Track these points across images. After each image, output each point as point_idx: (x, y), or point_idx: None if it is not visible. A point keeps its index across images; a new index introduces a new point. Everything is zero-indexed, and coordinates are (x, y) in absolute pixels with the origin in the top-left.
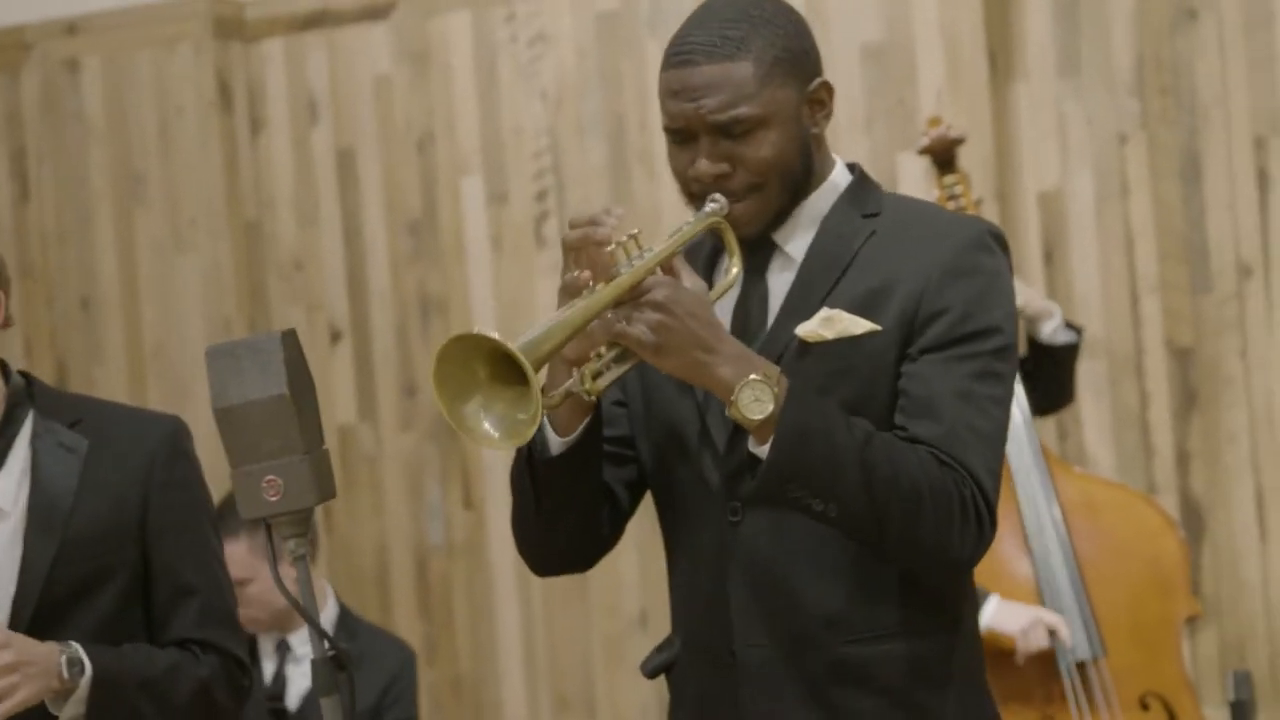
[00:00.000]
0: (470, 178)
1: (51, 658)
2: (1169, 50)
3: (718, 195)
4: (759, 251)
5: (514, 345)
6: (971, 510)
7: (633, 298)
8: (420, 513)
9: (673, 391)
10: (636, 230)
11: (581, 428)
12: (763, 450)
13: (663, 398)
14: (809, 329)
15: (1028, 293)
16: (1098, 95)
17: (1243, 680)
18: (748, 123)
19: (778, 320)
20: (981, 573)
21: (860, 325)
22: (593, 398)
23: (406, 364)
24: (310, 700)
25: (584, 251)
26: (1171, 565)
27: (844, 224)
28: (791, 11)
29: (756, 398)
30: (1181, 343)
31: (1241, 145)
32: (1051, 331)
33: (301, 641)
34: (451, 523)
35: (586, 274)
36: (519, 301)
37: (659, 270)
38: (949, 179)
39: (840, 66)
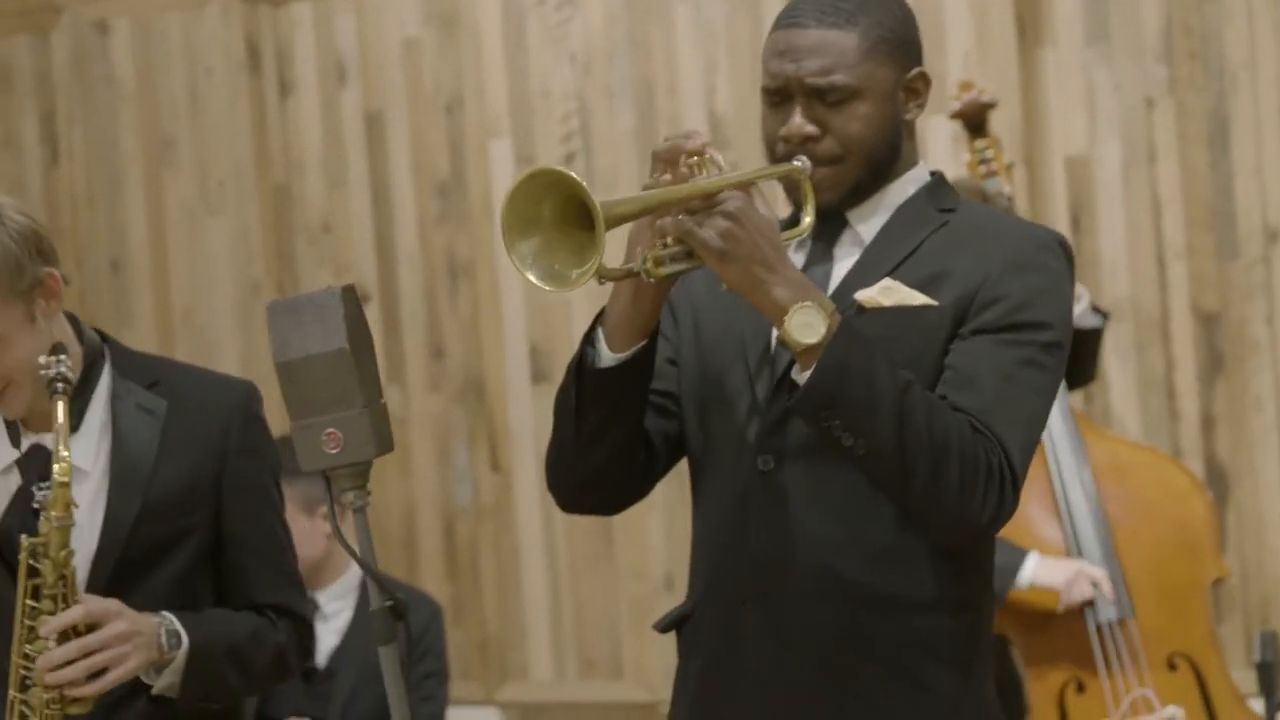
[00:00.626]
0: (499, 140)
1: (154, 629)
2: (1197, 16)
3: (803, 157)
4: (831, 225)
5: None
6: (997, 479)
7: (707, 206)
8: (448, 475)
9: (726, 356)
10: (722, 159)
11: (635, 349)
12: (804, 377)
13: (715, 361)
14: (868, 295)
15: None
16: (1126, 61)
17: (1269, 640)
18: (843, 91)
19: (838, 289)
20: (1013, 534)
21: (918, 298)
22: (650, 279)
23: (434, 326)
24: (338, 656)
25: (672, 163)
26: (1199, 527)
27: (918, 214)
28: (904, 2)
29: (808, 323)
30: (1208, 308)
31: (1269, 111)
32: (1079, 315)
33: (330, 599)
34: (479, 485)
35: (669, 177)
36: None
37: (737, 189)
38: (980, 143)
39: None
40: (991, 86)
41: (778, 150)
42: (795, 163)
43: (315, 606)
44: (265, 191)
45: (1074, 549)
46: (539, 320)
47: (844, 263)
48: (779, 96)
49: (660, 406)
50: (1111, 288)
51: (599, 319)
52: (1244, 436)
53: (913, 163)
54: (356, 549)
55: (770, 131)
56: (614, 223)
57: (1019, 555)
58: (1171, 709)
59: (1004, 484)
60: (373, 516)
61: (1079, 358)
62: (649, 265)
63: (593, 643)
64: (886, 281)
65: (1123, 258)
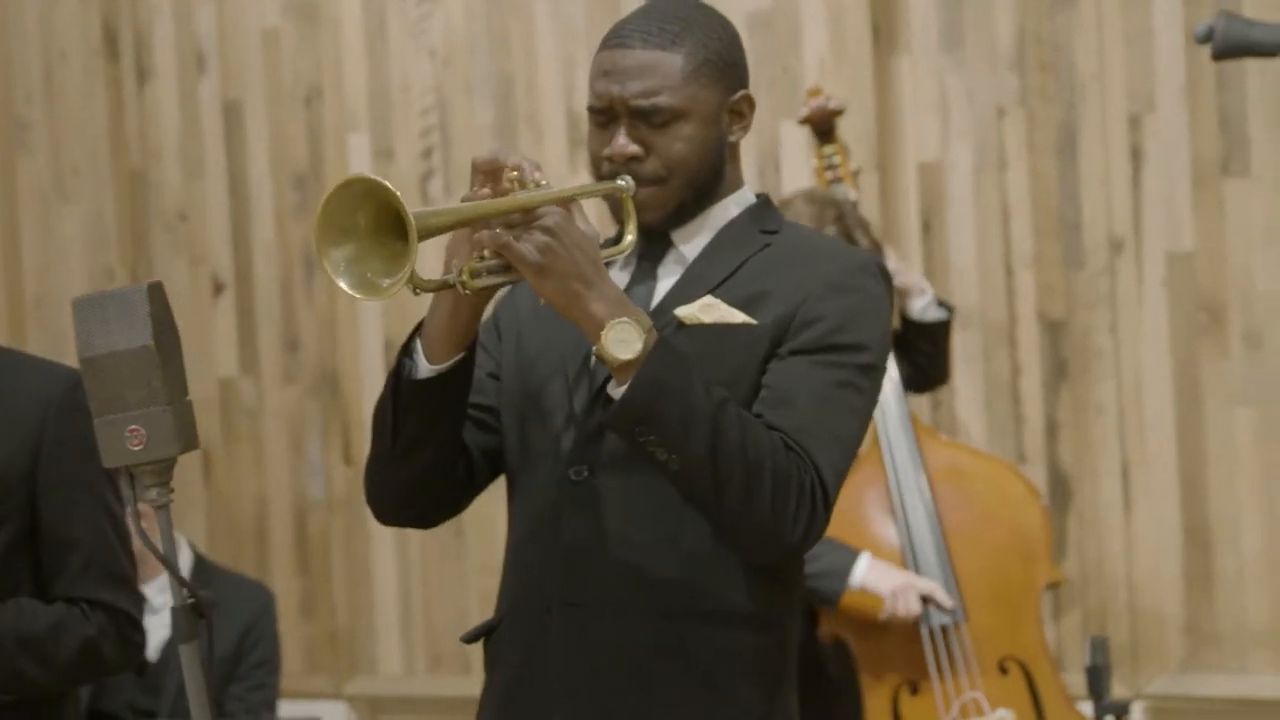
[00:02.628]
0: (357, 134)
1: None
2: (1049, 26)
3: (626, 176)
4: (655, 245)
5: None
6: (808, 499)
7: (526, 220)
8: (300, 467)
9: (546, 370)
10: (543, 176)
11: (453, 361)
12: (619, 392)
13: (535, 375)
14: (688, 311)
15: (901, 268)
16: (979, 70)
17: (1099, 646)
18: (667, 113)
19: (659, 306)
20: (849, 536)
21: (737, 316)
22: (466, 291)
23: (289, 318)
24: (170, 649)
25: (493, 176)
26: (1034, 533)
27: (742, 234)
28: (729, 25)
29: (624, 339)
30: (1053, 315)
31: (1116, 122)
32: (922, 308)
33: (156, 592)
34: (331, 478)
35: (487, 190)
36: None
37: (558, 205)
38: (828, 149)
39: None
40: (845, 92)
41: (603, 169)
42: (619, 182)
43: (143, 599)
44: (121, 178)
45: (909, 553)
46: (394, 314)
47: (667, 281)
48: (604, 116)
49: (480, 420)
50: (960, 294)
51: (417, 330)
52: (1086, 443)
53: (737, 184)
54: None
55: (595, 150)
56: (428, 233)
57: (851, 556)
58: (1001, 712)
59: (815, 503)
60: (224, 507)
61: (928, 355)
62: (465, 277)
63: (442, 637)
64: (707, 299)
65: (971, 265)
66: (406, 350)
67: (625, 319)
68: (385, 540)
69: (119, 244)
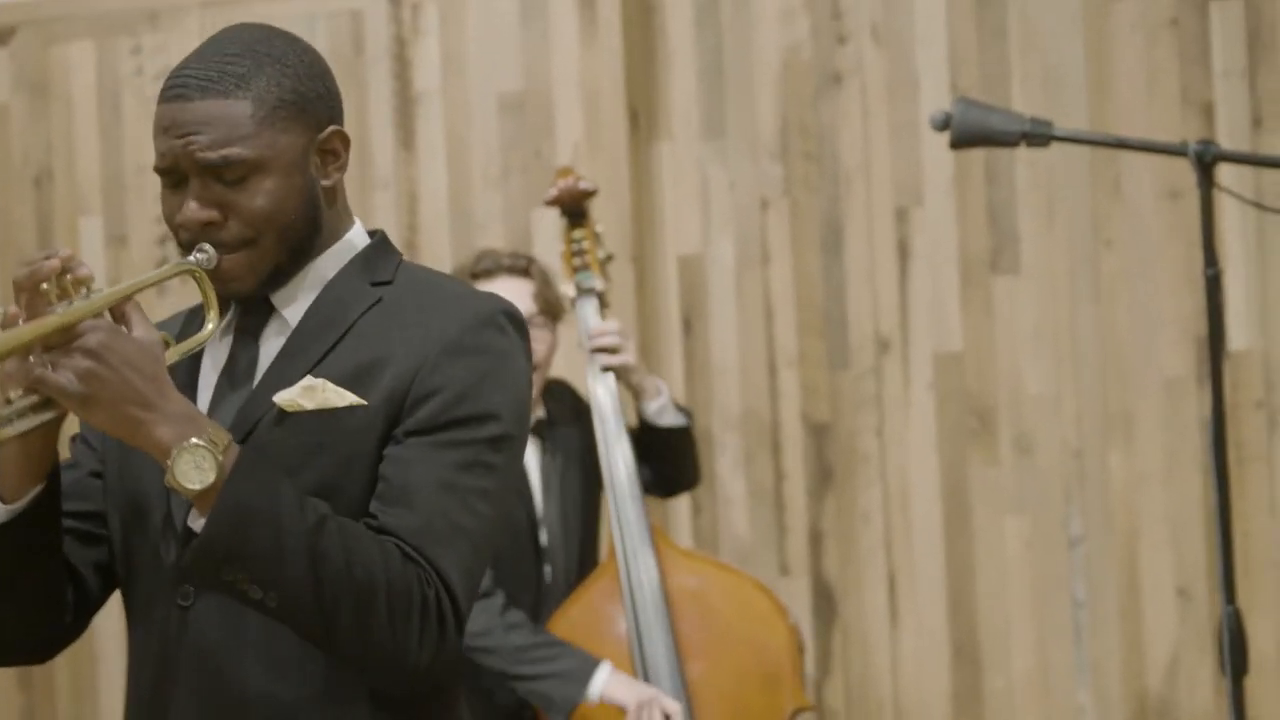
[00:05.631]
0: (89, 218)
1: None
2: (813, 116)
3: (206, 245)
4: (255, 314)
5: None
6: (434, 612)
7: (65, 341)
8: None
9: (145, 459)
10: (89, 273)
11: (30, 496)
12: (200, 524)
13: (134, 466)
14: (288, 397)
15: (639, 365)
16: (741, 159)
17: None
18: (241, 167)
19: (259, 386)
20: (584, 645)
21: (344, 398)
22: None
23: None
24: None
25: (34, 291)
26: (779, 654)
27: (348, 290)
28: (307, 51)
29: (197, 464)
30: (818, 418)
31: (882, 215)
32: (656, 411)
33: None
34: None
35: (14, 309)
36: None
37: (107, 315)
38: (577, 233)
39: (476, 116)
40: (602, 178)
41: (181, 237)
42: (197, 255)
43: None
44: None
45: (641, 674)
46: None
47: (270, 353)
48: (172, 178)
49: (84, 533)
50: (722, 395)
51: None
52: (852, 553)
53: (341, 232)
54: None
55: (169, 215)
56: None
57: (592, 664)
58: None
59: (443, 617)
60: None
61: (669, 460)
62: None
63: None
64: (309, 380)
65: (734, 364)
66: None
67: (195, 440)
68: (112, 655)
69: None
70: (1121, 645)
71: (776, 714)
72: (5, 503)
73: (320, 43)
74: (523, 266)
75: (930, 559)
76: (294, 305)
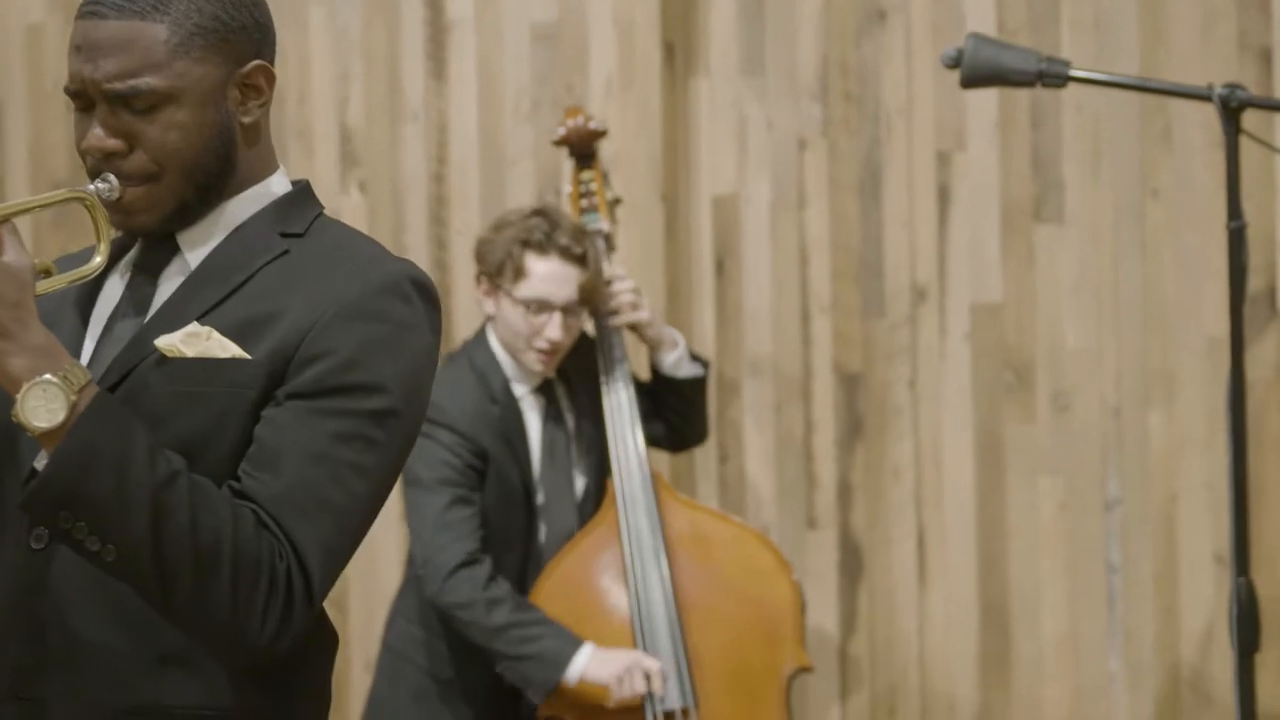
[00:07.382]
0: None
1: None
2: (855, 54)
3: (109, 175)
4: (159, 251)
5: None
6: (282, 589)
7: None
8: None
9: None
10: None
11: None
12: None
13: (5, 397)
14: (168, 342)
15: (655, 319)
16: (780, 97)
17: None
18: (150, 97)
19: (146, 327)
20: (578, 608)
21: (227, 350)
22: None
23: None
24: None
25: None
26: (780, 610)
27: (256, 238)
28: None
29: (47, 402)
30: (850, 368)
31: (923, 161)
32: (674, 363)
33: None
34: None
35: None
36: None
37: None
38: (585, 174)
39: (508, 47)
40: (635, 115)
41: (87, 165)
42: (91, 187)
43: None
44: None
45: (639, 629)
46: None
47: (166, 295)
48: (82, 101)
49: None
50: (753, 341)
51: None
52: (881, 508)
53: (262, 174)
54: None
55: (77, 140)
56: None
57: (572, 646)
58: None
59: (291, 594)
60: None
61: (681, 412)
62: None
63: None
64: (195, 327)
65: (766, 309)
66: None
67: (49, 376)
68: None
69: None
70: (1156, 613)
71: (775, 671)
72: None
73: None
74: (579, 254)
75: (961, 517)
76: (200, 248)
